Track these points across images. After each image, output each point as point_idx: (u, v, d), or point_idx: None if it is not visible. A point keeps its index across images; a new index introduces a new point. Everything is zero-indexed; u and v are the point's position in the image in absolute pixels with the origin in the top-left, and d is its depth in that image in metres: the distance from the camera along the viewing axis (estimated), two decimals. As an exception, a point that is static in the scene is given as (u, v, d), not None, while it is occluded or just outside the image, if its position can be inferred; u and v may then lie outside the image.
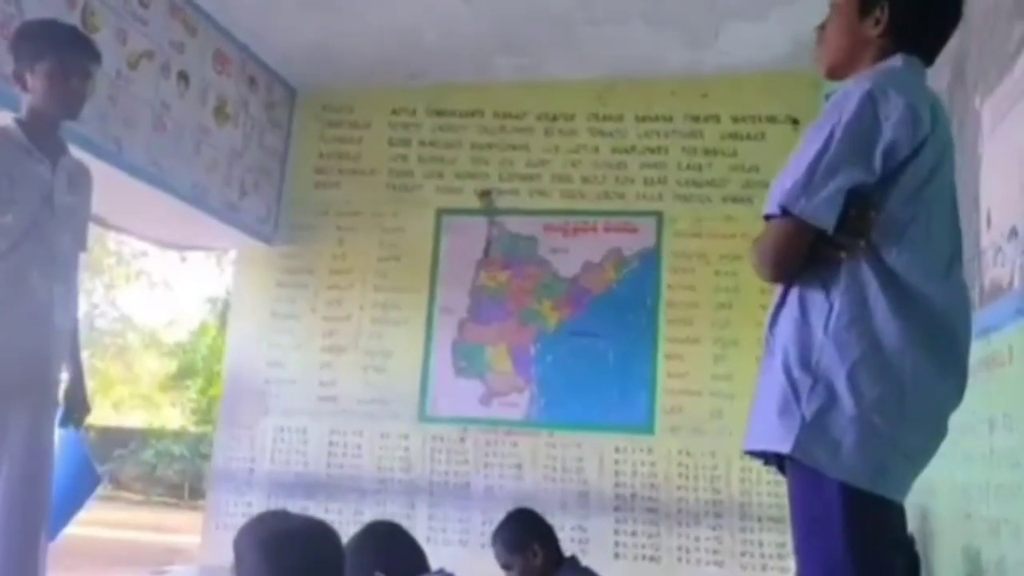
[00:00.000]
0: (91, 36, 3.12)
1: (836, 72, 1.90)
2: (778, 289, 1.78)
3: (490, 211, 5.38)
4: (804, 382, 1.67)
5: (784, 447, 1.66)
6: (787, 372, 1.69)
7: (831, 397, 1.64)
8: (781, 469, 1.76)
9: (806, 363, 1.67)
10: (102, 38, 3.94)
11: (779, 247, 1.72)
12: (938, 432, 1.74)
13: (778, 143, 4.93)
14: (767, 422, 1.71)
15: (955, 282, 1.76)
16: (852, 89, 1.72)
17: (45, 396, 2.74)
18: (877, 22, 1.81)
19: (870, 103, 1.67)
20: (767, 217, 1.73)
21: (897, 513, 1.71)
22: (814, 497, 1.66)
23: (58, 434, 2.85)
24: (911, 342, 1.65)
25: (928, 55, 1.85)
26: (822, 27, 1.92)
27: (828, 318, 1.67)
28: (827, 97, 1.80)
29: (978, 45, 2.97)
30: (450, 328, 5.30)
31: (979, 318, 2.47)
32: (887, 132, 1.65)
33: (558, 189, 5.34)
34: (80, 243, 2.92)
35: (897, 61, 1.79)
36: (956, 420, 1.77)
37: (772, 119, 5.11)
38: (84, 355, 3.06)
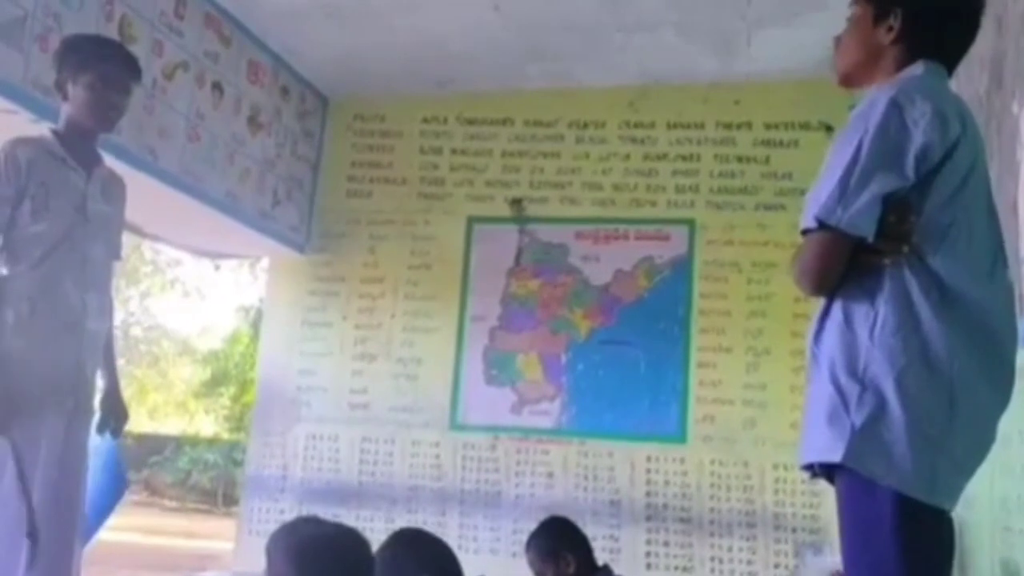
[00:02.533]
0: (128, 48, 3.17)
1: (850, 79, 1.92)
2: (820, 300, 1.78)
3: (521, 219, 5.38)
4: (852, 390, 1.66)
5: (835, 456, 1.65)
6: (834, 381, 1.68)
7: (880, 404, 1.63)
8: (830, 479, 1.74)
9: (853, 371, 1.67)
10: (138, 49, 3.99)
11: (820, 260, 1.71)
12: (986, 437, 1.72)
13: (811, 150, 4.88)
14: (817, 433, 1.70)
15: (999, 284, 1.75)
16: (877, 97, 1.72)
17: (78, 403, 2.77)
18: (891, 29, 1.82)
19: (896, 109, 1.67)
20: (804, 232, 1.73)
21: (947, 524, 1.69)
22: (865, 506, 1.65)
23: (95, 441, 2.88)
24: (958, 347, 1.64)
25: (948, 62, 1.85)
26: (839, 38, 1.93)
27: (873, 325, 1.66)
28: (850, 108, 1.80)
29: (1016, 49, 2.92)
30: (481, 336, 5.30)
31: (1019, 327, 2.43)
32: (917, 137, 1.65)
33: (589, 197, 5.33)
34: (114, 252, 2.95)
35: (918, 68, 1.79)
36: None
37: (805, 126, 5.07)
38: (119, 363, 3.09)
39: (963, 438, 1.67)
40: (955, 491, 1.69)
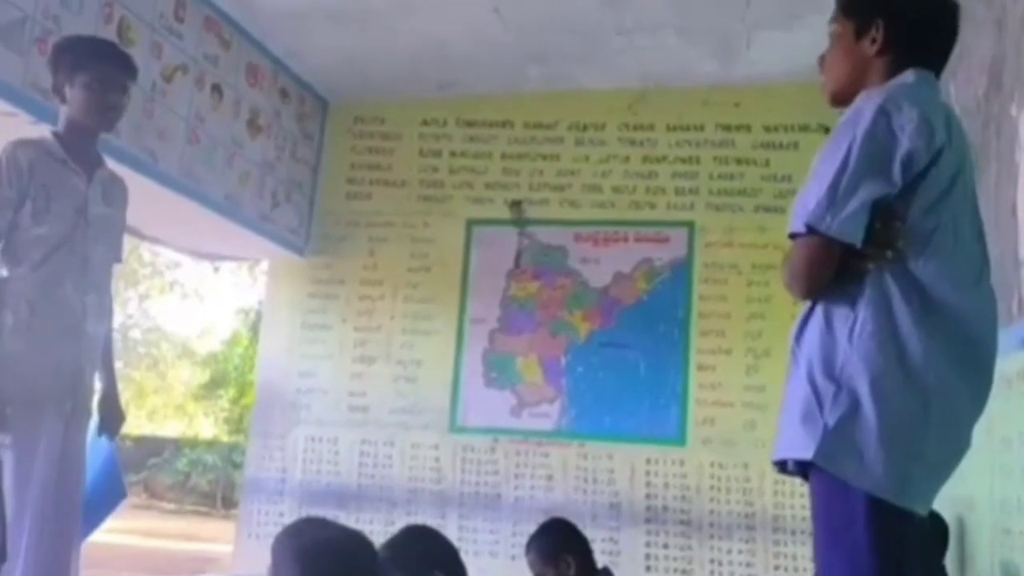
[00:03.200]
0: (127, 50, 3.17)
1: (839, 98, 1.93)
2: (806, 302, 1.78)
3: (520, 221, 5.38)
4: (827, 390, 1.68)
5: (806, 454, 1.67)
6: (811, 380, 1.70)
7: (854, 405, 1.65)
8: (804, 476, 1.76)
9: (829, 371, 1.68)
10: (138, 52, 3.98)
11: (809, 265, 1.73)
12: (961, 444, 1.74)
13: (811, 152, 4.78)
14: (791, 430, 1.72)
15: (985, 292, 1.76)
16: (864, 104, 1.74)
17: (77, 405, 2.77)
18: (874, 41, 1.84)
19: (884, 116, 1.69)
20: (793, 236, 1.74)
21: (920, 527, 1.70)
22: (837, 506, 1.67)
23: (91, 444, 2.88)
24: (935, 353, 1.66)
25: (934, 67, 1.86)
26: (823, 57, 1.94)
27: (852, 328, 1.68)
28: (840, 113, 1.81)
29: (1015, 52, 2.93)
30: (481, 338, 5.30)
31: (1018, 330, 2.43)
32: (904, 143, 1.67)
33: (588, 199, 5.33)
34: (114, 254, 2.95)
35: (909, 76, 1.80)
36: (995, 433, 1.74)
37: (805, 128, 5.08)
38: (118, 365, 3.09)
39: (937, 443, 1.68)
40: (927, 495, 1.71)
